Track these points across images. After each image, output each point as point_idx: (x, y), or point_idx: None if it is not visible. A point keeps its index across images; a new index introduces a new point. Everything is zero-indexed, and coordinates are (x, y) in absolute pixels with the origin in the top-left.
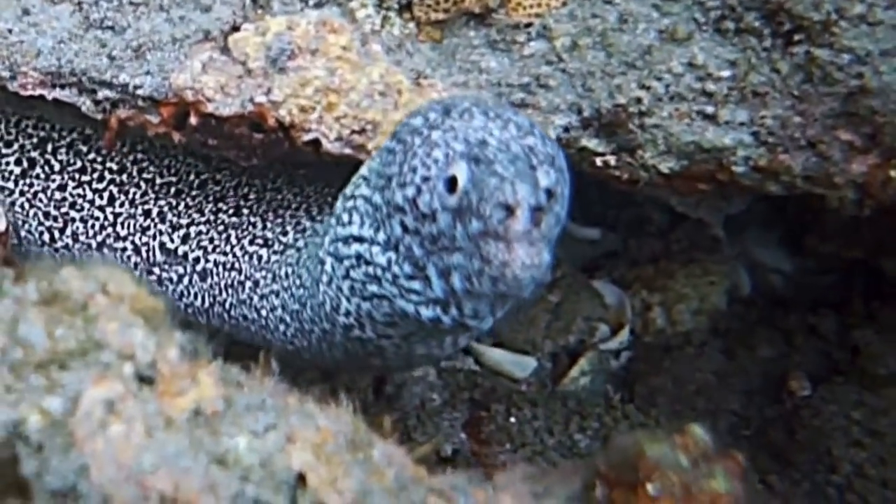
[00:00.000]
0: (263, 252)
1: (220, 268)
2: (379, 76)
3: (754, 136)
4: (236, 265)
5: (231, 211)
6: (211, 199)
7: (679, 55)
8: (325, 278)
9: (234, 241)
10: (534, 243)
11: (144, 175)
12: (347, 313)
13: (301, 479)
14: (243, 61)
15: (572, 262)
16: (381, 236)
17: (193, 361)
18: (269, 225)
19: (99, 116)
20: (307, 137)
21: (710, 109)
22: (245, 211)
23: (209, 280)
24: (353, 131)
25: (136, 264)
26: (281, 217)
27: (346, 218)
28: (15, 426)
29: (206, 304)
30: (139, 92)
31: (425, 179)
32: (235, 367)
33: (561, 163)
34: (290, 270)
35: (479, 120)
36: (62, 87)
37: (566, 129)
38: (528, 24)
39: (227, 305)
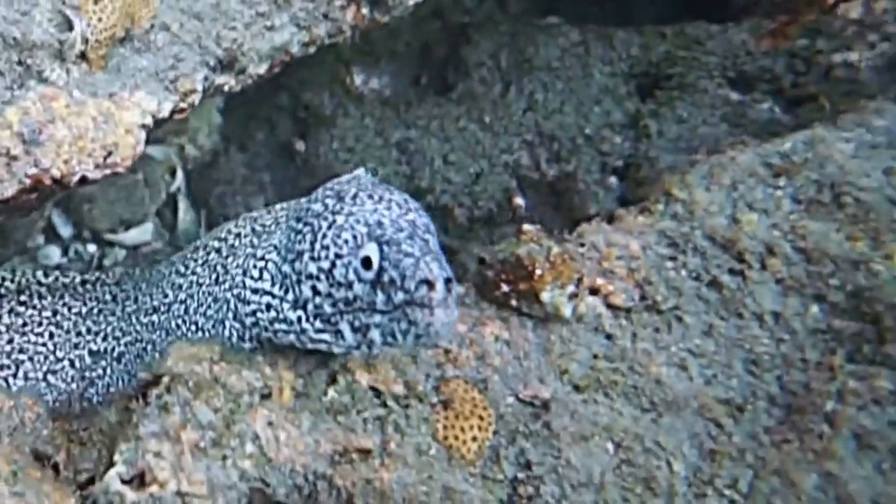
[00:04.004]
0: (155, 317)
1: (129, 346)
2: (96, 111)
3: None
4: (137, 337)
5: (131, 302)
6: (119, 301)
7: None
8: (230, 315)
9: (133, 321)
10: (448, 306)
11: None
12: (251, 339)
13: None
14: (5, 153)
15: None
16: (290, 296)
17: None
18: (154, 296)
19: None
20: (76, 178)
21: None
22: (139, 296)
23: (123, 360)
24: (104, 157)
25: (72, 376)
26: (160, 287)
27: (256, 274)
28: None
29: (126, 382)
30: None
31: (338, 256)
32: None
33: (431, 225)
34: (180, 321)
35: (369, 203)
36: None
37: None
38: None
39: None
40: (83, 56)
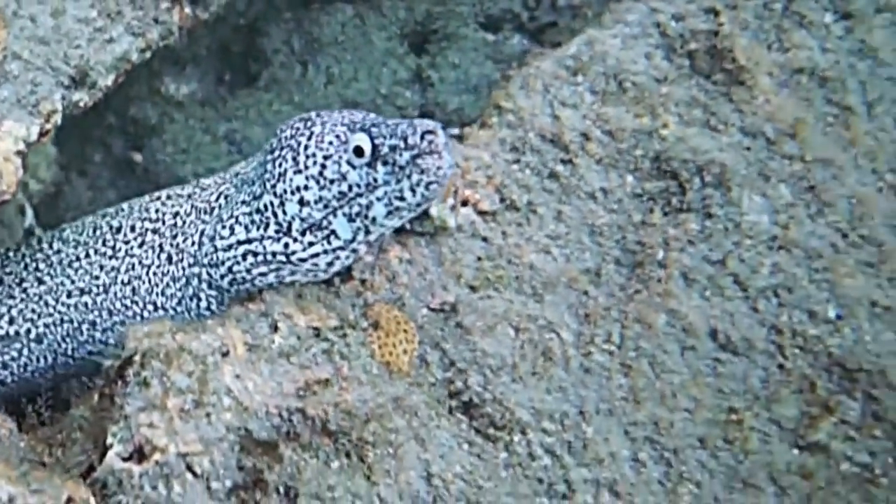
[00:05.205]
0: (87, 299)
1: (53, 327)
2: None
3: None
4: (64, 318)
5: (33, 283)
6: (13, 284)
7: None
8: (205, 286)
9: (51, 301)
10: (451, 149)
11: None
12: (230, 299)
13: None
14: None
15: None
16: (271, 229)
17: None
18: (75, 278)
19: None
20: None
21: None
22: (44, 278)
23: (45, 341)
24: None
25: None
26: (81, 267)
27: (226, 233)
28: None
29: (50, 360)
30: None
31: (327, 157)
32: None
33: None
34: (129, 303)
35: (334, 115)
36: None
37: None
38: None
39: (69, 351)
40: None
